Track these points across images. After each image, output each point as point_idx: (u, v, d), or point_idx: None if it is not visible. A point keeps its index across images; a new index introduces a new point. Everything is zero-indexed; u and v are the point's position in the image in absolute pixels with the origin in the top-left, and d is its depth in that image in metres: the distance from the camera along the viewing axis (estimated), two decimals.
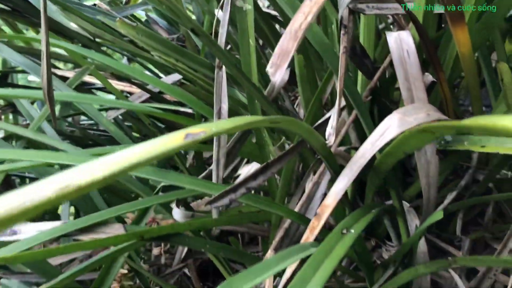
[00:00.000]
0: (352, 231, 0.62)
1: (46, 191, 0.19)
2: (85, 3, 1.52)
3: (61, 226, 0.72)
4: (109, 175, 0.22)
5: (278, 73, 0.41)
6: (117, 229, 0.75)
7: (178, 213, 0.97)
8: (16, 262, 0.63)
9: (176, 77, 1.21)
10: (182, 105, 1.33)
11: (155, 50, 0.86)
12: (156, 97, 1.33)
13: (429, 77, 0.84)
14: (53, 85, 1.01)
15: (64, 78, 1.26)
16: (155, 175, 0.72)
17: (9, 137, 1.27)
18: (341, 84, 0.69)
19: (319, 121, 0.83)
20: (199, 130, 0.34)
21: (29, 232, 0.72)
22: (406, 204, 0.85)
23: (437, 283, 0.97)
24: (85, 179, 0.21)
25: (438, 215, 0.61)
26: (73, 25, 1.13)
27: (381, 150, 0.71)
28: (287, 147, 1.13)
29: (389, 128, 0.67)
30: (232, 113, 1.11)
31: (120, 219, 1.00)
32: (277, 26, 1.21)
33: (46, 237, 0.70)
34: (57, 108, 1.52)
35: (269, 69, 0.41)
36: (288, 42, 0.42)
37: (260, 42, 1.24)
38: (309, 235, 0.71)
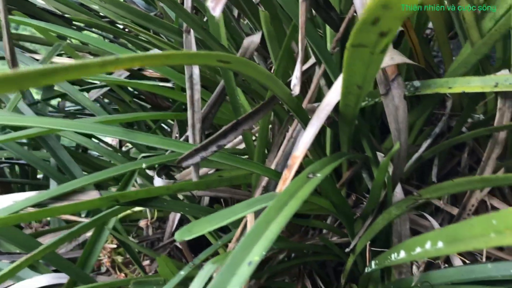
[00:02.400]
0: (318, 175, 0.62)
1: None
2: None
3: (36, 195, 0.73)
4: None
5: (218, 7, 0.41)
6: (92, 196, 0.76)
7: (159, 182, 0.98)
8: None
9: (155, 52, 1.20)
10: (162, 80, 1.34)
11: (123, 18, 0.86)
12: (135, 74, 1.33)
13: None
14: (26, 64, 1.01)
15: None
16: (125, 136, 0.72)
17: None
18: (303, 32, 0.69)
19: (290, 78, 0.83)
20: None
21: (4, 202, 0.72)
22: (380, 155, 0.85)
23: (418, 232, 0.98)
24: None
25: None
26: (39, 1, 1.11)
27: None
28: None
29: None
30: (204, 79, 1.11)
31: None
32: None
33: (20, 206, 0.71)
34: (39, 92, 1.52)
35: (209, 3, 0.41)
36: None
37: (235, 12, 1.24)
38: (282, 187, 0.72)
